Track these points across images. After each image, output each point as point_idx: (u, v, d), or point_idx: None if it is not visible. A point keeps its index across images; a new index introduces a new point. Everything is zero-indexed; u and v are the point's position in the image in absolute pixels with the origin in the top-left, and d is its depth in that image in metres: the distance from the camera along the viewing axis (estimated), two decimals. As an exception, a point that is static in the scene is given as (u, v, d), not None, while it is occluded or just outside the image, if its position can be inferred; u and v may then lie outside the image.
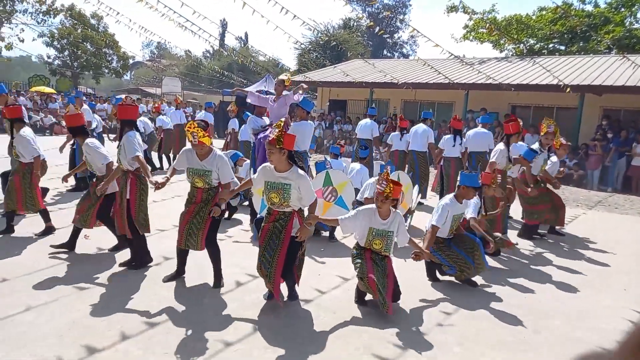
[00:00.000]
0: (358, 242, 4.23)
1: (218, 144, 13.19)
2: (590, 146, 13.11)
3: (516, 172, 6.75)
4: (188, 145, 4.30)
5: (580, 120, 13.90)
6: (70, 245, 5.20)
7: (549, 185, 6.92)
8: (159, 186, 4.17)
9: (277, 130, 3.86)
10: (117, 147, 4.63)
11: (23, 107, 6.89)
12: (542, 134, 6.96)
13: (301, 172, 3.96)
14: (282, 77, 7.04)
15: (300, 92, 6.90)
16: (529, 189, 6.44)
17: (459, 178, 4.95)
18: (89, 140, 5.26)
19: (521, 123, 6.39)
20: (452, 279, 4.98)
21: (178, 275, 4.52)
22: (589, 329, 4.01)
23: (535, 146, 7.15)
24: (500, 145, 6.24)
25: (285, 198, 3.88)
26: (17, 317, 3.63)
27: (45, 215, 5.81)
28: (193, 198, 4.32)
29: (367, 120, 10.13)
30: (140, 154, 4.58)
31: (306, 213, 4.12)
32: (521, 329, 3.96)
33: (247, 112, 7.55)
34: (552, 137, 6.93)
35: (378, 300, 3.92)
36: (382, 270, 4.06)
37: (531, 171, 6.64)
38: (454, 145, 8.64)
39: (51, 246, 5.15)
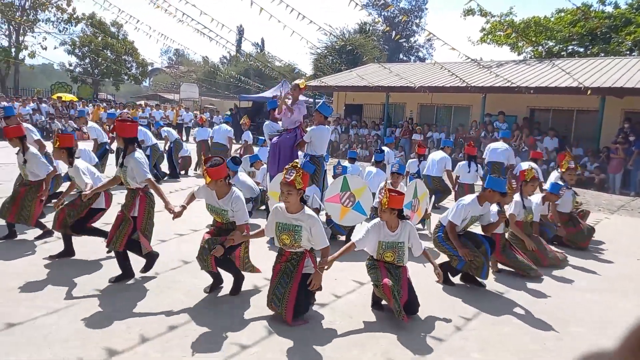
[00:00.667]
0: (370, 254, 4.21)
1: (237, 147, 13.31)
2: (611, 149, 12.85)
3: (546, 209, 6.51)
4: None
5: (602, 124, 13.63)
6: (67, 252, 5.15)
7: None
8: (176, 215, 4.18)
9: (294, 172, 3.82)
10: (121, 167, 4.52)
11: (24, 125, 6.75)
12: (562, 170, 6.95)
13: (312, 213, 3.94)
14: (297, 81, 7.07)
15: (289, 97, 6.92)
16: (558, 228, 6.35)
17: (486, 181, 4.95)
18: (77, 162, 5.18)
19: (535, 174, 6.06)
20: (467, 284, 4.92)
21: (216, 285, 4.46)
22: (613, 336, 3.92)
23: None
24: (516, 197, 5.86)
25: (297, 239, 3.85)
26: (40, 320, 3.70)
27: (40, 225, 5.80)
28: (215, 222, 4.36)
29: (386, 149, 10.06)
30: (152, 176, 4.55)
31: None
32: (543, 335, 3.88)
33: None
34: (574, 172, 6.91)
35: (393, 307, 3.87)
36: (396, 278, 4.02)
37: (561, 208, 6.56)
38: (469, 172, 8.72)
39: (50, 257, 5.10)
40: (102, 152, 9.44)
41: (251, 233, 4.27)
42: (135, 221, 4.50)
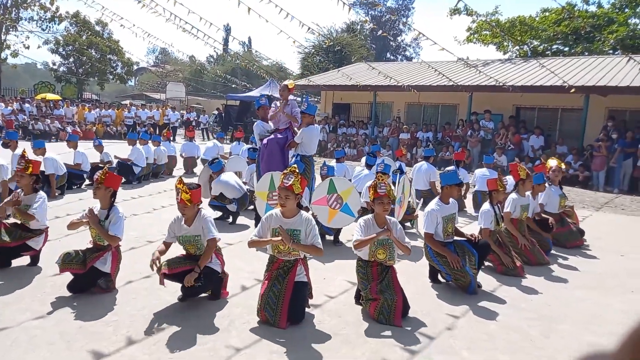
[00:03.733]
0: (361, 256, 4.19)
1: (227, 146, 13.25)
2: (595, 147, 13.05)
3: (541, 199, 6.54)
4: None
5: (586, 122, 13.83)
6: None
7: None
8: (154, 263, 3.97)
9: (293, 176, 3.79)
10: (106, 220, 4.30)
11: None
12: (549, 171, 6.92)
13: (308, 216, 3.93)
14: (286, 82, 7.07)
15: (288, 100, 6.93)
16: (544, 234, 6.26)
17: (441, 179, 5.05)
18: (119, 209, 4.46)
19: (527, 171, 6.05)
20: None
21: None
22: (600, 333, 3.97)
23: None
24: (512, 195, 5.81)
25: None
26: (25, 323, 3.64)
27: None
28: (186, 253, 4.21)
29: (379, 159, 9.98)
30: (122, 237, 4.36)
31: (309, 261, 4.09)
32: (531, 332, 3.92)
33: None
34: (559, 172, 6.92)
35: (378, 320, 3.90)
36: (387, 284, 4.02)
37: (548, 209, 6.58)
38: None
39: None
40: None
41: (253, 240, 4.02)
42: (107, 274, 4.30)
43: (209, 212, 4.30)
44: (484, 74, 14.97)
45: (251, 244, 3.95)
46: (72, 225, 4.39)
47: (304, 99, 6.98)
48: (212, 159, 7.93)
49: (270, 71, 27.59)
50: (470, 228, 6.50)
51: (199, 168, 12.27)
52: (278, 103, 7.03)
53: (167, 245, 4.19)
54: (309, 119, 6.70)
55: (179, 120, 23.90)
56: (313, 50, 33.92)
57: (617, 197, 11.53)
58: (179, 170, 12.18)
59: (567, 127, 15.56)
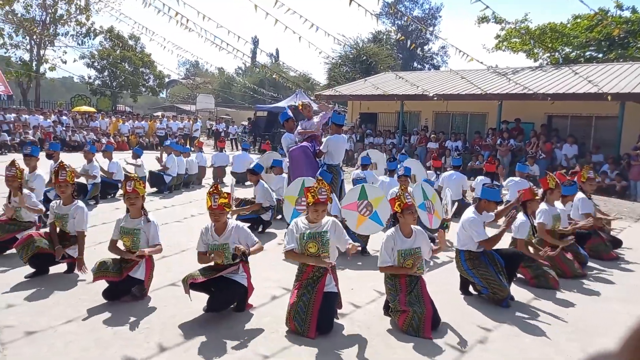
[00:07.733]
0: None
1: (255, 156, 13.41)
2: (632, 156, 12.61)
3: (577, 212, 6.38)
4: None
5: (622, 130, 13.41)
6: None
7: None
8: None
9: (324, 190, 3.93)
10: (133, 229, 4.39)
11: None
12: (583, 180, 6.82)
13: (332, 218, 4.05)
14: (304, 103, 7.34)
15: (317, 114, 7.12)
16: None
17: (481, 192, 4.96)
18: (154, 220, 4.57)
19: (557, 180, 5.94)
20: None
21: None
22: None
23: (580, 195, 6.57)
24: (542, 205, 5.63)
25: (324, 244, 3.86)
26: (61, 328, 3.75)
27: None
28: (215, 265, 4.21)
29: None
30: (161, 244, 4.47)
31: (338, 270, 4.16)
32: (566, 346, 3.79)
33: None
34: (594, 182, 6.87)
35: (407, 332, 3.86)
36: (416, 296, 3.99)
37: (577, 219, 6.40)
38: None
39: (26, 276, 4.87)
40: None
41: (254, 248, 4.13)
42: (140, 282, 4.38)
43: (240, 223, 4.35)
44: (514, 82, 14.71)
45: (287, 255, 4.07)
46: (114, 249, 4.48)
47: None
48: (248, 169, 8.07)
49: (298, 82, 27.85)
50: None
51: (227, 178, 12.44)
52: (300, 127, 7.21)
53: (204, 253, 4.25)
54: (335, 128, 6.73)
55: (198, 131, 24.18)
56: (340, 61, 34.08)
57: (656, 208, 11.08)
58: (208, 179, 12.38)
59: (601, 135, 15.10)
